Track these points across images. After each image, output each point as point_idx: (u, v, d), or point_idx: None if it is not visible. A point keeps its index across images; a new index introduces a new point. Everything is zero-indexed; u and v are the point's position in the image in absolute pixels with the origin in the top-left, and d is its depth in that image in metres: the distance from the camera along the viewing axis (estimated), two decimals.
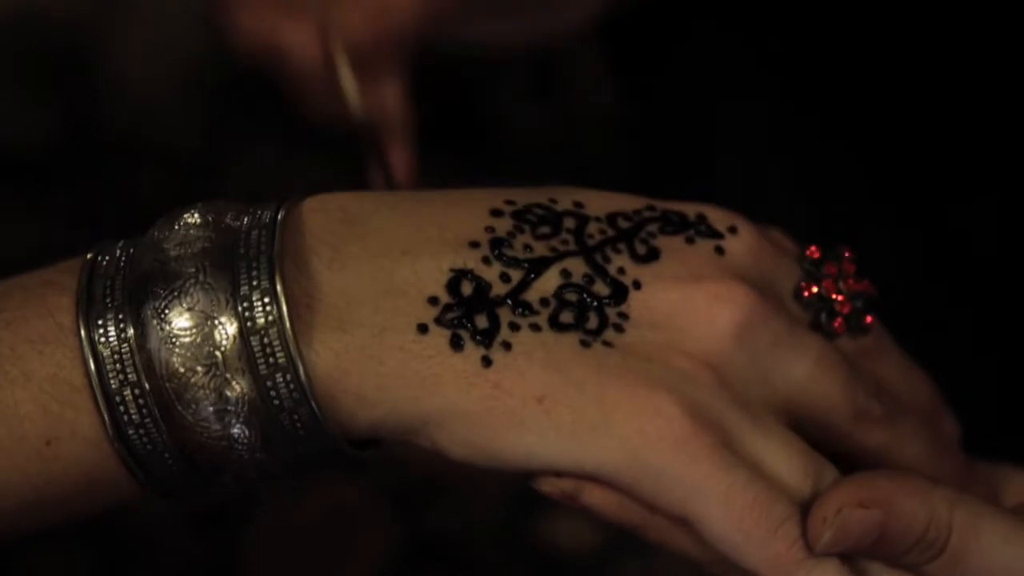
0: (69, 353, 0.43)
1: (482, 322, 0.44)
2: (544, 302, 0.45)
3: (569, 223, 0.47)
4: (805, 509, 0.44)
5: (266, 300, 0.43)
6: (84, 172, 0.79)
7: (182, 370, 0.43)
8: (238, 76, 0.77)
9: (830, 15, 0.75)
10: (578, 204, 0.47)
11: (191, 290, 0.43)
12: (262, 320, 0.43)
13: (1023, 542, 0.45)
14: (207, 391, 0.43)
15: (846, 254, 0.49)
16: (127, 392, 0.43)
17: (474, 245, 0.45)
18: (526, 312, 0.45)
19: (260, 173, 0.80)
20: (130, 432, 0.43)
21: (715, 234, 0.47)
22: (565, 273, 0.46)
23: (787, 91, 0.76)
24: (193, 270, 0.43)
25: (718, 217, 0.48)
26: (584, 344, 0.45)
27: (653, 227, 0.47)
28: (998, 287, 0.71)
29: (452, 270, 0.45)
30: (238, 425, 0.43)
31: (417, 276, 0.45)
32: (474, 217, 0.46)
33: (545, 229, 0.46)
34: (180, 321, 0.43)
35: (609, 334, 0.45)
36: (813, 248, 0.49)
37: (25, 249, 0.76)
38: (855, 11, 0.74)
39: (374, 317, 0.44)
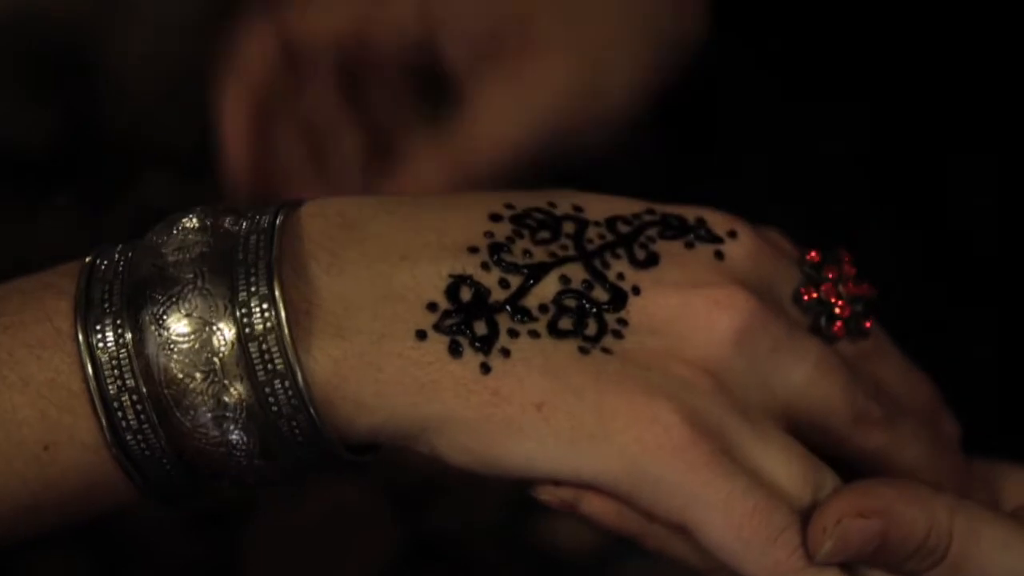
0: (67, 358, 0.43)
1: (481, 328, 0.44)
2: (543, 308, 0.45)
3: (568, 227, 0.47)
4: (805, 515, 0.44)
5: (264, 306, 0.43)
6: (84, 172, 0.78)
7: (180, 376, 0.43)
8: None
9: (830, 15, 0.74)
10: (577, 208, 0.47)
11: (189, 296, 0.43)
12: (260, 326, 0.43)
13: (1023, 547, 0.45)
14: (205, 397, 0.43)
15: (845, 257, 0.49)
16: (125, 398, 0.43)
17: (473, 250, 0.45)
18: (525, 318, 0.45)
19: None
20: (128, 438, 0.43)
21: (715, 238, 0.47)
22: (564, 279, 0.45)
23: (787, 91, 0.75)
24: (191, 276, 0.43)
25: (718, 221, 0.48)
26: (583, 351, 0.45)
27: (652, 231, 0.47)
28: (998, 287, 0.71)
29: (451, 276, 0.45)
30: (236, 431, 0.43)
31: (416, 282, 0.45)
32: (473, 222, 0.46)
33: (544, 234, 0.46)
34: (178, 327, 0.43)
35: (608, 340, 0.45)
36: (813, 252, 0.49)
37: (25, 249, 0.76)
38: (854, 12, 0.74)
39: (373, 323, 0.44)
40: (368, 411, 0.44)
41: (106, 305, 0.43)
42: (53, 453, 0.43)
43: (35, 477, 0.43)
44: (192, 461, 0.44)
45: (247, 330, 0.43)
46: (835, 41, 0.75)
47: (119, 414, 0.43)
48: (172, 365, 0.43)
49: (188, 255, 0.44)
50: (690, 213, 0.48)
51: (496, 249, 0.45)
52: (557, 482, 0.44)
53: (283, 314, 0.43)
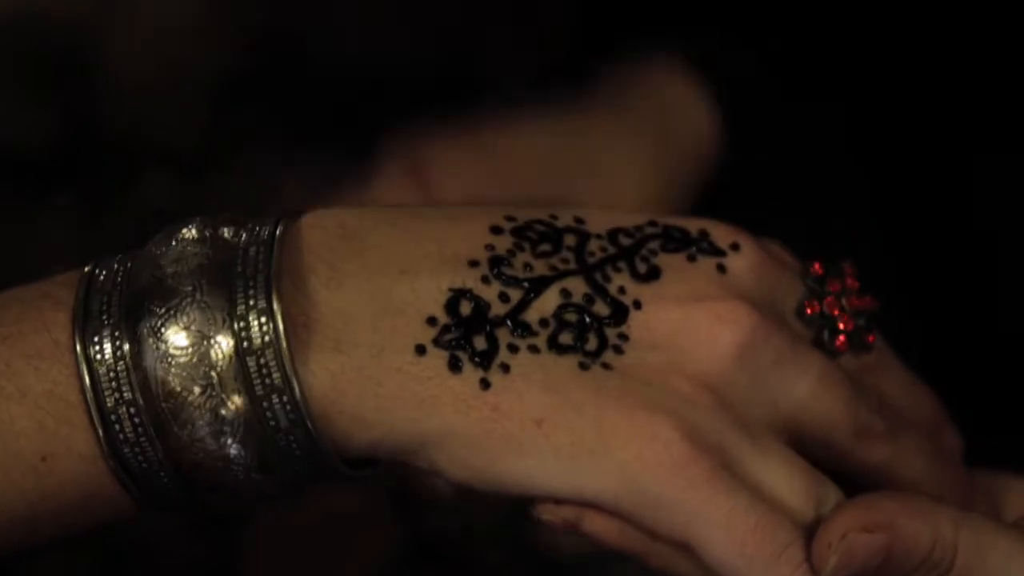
0: (65, 370, 0.43)
1: (480, 343, 0.44)
2: (543, 322, 0.45)
3: (570, 240, 0.46)
4: (808, 530, 0.44)
5: (263, 320, 0.42)
6: (84, 172, 0.78)
7: (178, 389, 0.42)
8: (238, 76, 0.76)
9: (828, 17, 0.74)
10: (579, 220, 0.47)
11: (187, 309, 0.43)
12: (258, 340, 0.42)
13: None
14: (203, 411, 0.42)
15: (849, 270, 0.48)
16: (123, 410, 0.43)
17: (473, 264, 0.45)
18: (525, 333, 0.44)
19: (260, 173, 0.80)
20: (125, 450, 0.43)
21: (717, 251, 0.47)
22: (565, 293, 0.45)
23: (787, 92, 0.75)
24: (190, 288, 0.43)
25: (720, 233, 0.47)
26: (583, 366, 0.44)
27: (654, 244, 0.47)
28: (1000, 293, 0.71)
29: (451, 290, 0.44)
30: (234, 445, 0.43)
31: (415, 295, 0.44)
32: (474, 234, 0.46)
33: (545, 247, 0.46)
34: (176, 340, 0.43)
35: (608, 355, 0.45)
36: (816, 265, 0.48)
37: (25, 249, 0.76)
38: (853, 12, 0.74)
39: (372, 337, 0.44)
40: (367, 426, 0.43)
41: (104, 317, 0.43)
42: (50, 464, 0.43)
43: (32, 488, 0.43)
44: (189, 474, 0.43)
45: (245, 344, 0.42)
46: (833, 41, 0.74)
47: (116, 426, 0.43)
48: (170, 378, 0.42)
49: (187, 267, 0.43)
50: (693, 225, 0.48)
51: (497, 262, 0.45)
52: (558, 501, 0.44)
53: (281, 328, 0.42)
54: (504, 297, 0.45)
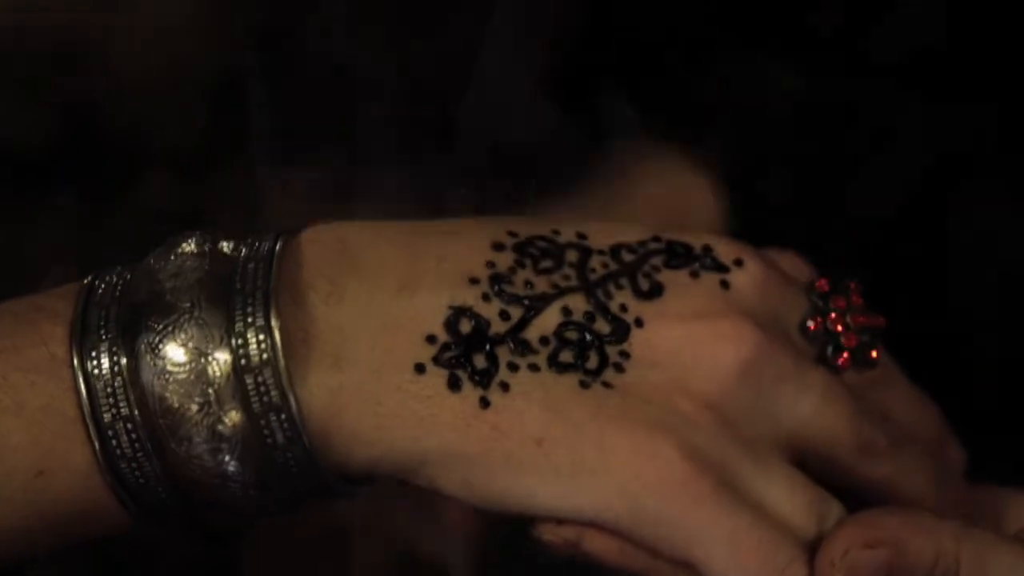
0: (62, 384, 0.43)
1: (480, 362, 0.44)
2: (544, 341, 0.44)
3: (572, 256, 0.46)
4: (811, 546, 0.44)
5: (261, 337, 0.42)
6: (84, 172, 0.78)
7: (176, 406, 0.42)
8: (238, 76, 0.76)
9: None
10: (581, 235, 0.47)
11: (185, 325, 0.42)
12: (256, 358, 0.42)
13: None
14: (200, 427, 0.42)
15: (854, 287, 0.48)
16: (120, 425, 0.43)
17: (474, 281, 0.45)
18: (525, 351, 0.44)
19: (260, 173, 0.79)
20: (122, 466, 0.43)
21: (721, 267, 0.47)
22: (566, 311, 0.45)
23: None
24: (188, 304, 0.43)
25: (724, 249, 0.47)
26: (583, 385, 0.44)
27: (657, 260, 0.46)
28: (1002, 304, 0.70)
29: (451, 307, 0.44)
30: (232, 462, 0.43)
31: (415, 312, 0.44)
32: (475, 251, 0.45)
33: (547, 263, 0.46)
34: (174, 356, 0.42)
35: (609, 374, 0.44)
36: (822, 281, 0.48)
37: (25, 249, 0.76)
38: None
39: (371, 355, 0.43)
40: (366, 444, 0.43)
41: (102, 331, 0.43)
42: (46, 479, 0.43)
43: (28, 502, 0.43)
44: (187, 490, 0.43)
45: (243, 361, 0.42)
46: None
47: (113, 441, 0.43)
48: (167, 394, 0.42)
49: (185, 281, 0.43)
50: (696, 240, 0.47)
51: (497, 280, 0.45)
52: (559, 520, 0.44)
53: (279, 346, 0.42)
54: (504, 315, 0.44)
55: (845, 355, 0.47)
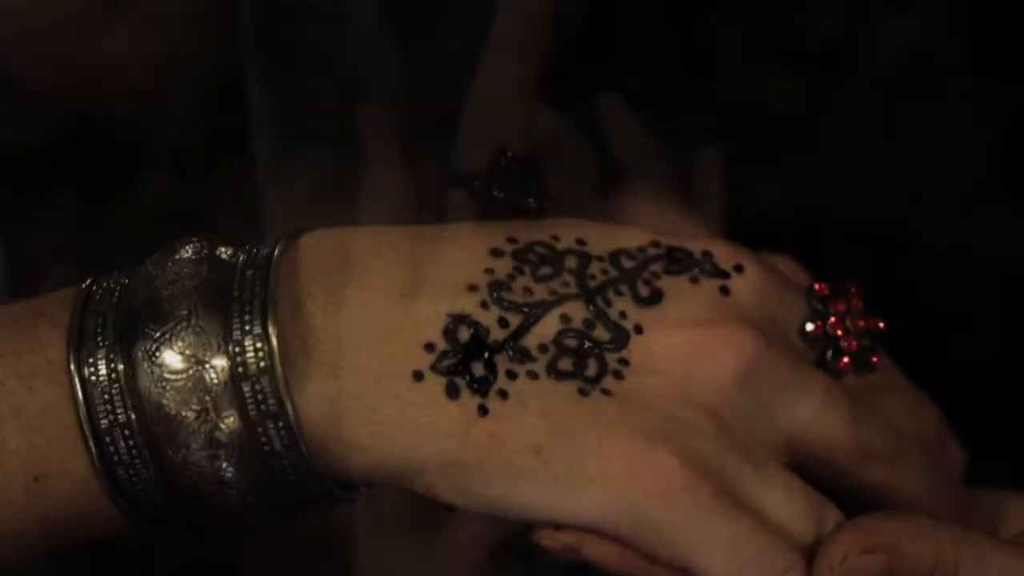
0: (59, 390, 0.43)
1: (479, 369, 0.44)
2: (543, 348, 0.44)
3: (571, 263, 0.46)
4: (809, 552, 0.44)
5: (258, 345, 0.42)
6: (84, 172, 0.78)
7: (173, 412, 0.42)
8: (238, 76, 0.76)
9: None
10: (580, 241, 0.47)
11: (183, 332, 0.42)
12: (254, 366, 0.42)
13: None
14: (197, 434, 0.42)
15: (854, 291, 0.48)
16: (116, 432, 0.43)
17: (472, 289, 0.45)
18: (524, 359, 0.44)
19: (260, 173, 0.79)
20: (119, 471, 0.43)
21: (720, 273, 0.47)
22: (565, 318, 0.45)
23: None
24: (185, 312, 0.43)
25: (724, 254, 0.47)
26: (582, 392, 0.44)
27: (657, 266, 0.46)
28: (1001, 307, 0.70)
29: (449, 315, 0.44)
30: (229, 468, 0.43)
31: (413, 321, 0.44)
32: (474, 258, 0.45)
33: (546, 270, 0.46)
34: (171, 364, 0.42)
35: (608, 381, 0.44)
36: (822, 285, 0.48)
37: (25, 250, 0.76)
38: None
39: (369, 363, 0.43)
40: (363, 451, 0.43)
41: (99, 338, 0.43)
42: (43, 484, 0.43)
43: (24, 507, 0.43)
44: (184, 495, 0.43)
45: (240, 369, 0.42)
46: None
47: (110, 448, 0.43)
48: (164, 401, 0.42)
49: (183, 288, 0.43)
50: (696, 245, 0.47)
51: (496, 287, 0.45)
52: (558, 526, 0.44)
53: (277, 354, 0.42)
54: (503, 322, 0.44)
55: (845, 359, 0.47)
